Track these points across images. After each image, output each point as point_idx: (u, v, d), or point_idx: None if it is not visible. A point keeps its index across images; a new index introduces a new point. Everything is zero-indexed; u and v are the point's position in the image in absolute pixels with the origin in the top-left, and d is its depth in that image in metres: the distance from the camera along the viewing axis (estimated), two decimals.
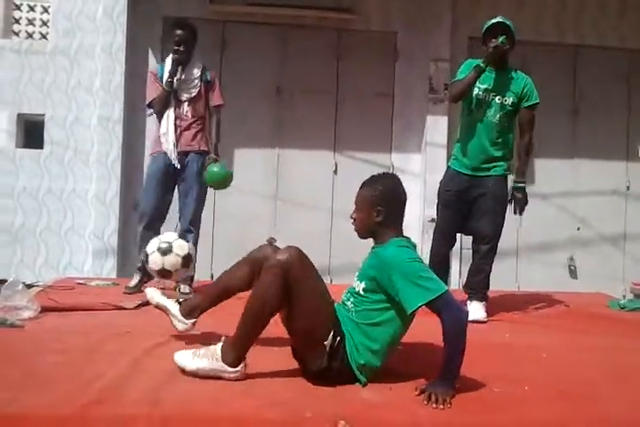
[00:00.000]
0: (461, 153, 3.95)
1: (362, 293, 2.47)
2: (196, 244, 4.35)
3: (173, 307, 2.83)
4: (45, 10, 6.14)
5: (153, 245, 3.17)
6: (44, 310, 3.36)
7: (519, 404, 2.32)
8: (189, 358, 2.42)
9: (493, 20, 3.83)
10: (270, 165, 6.25)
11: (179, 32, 4.22)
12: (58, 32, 6.06)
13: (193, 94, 4.28)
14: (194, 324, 2.84)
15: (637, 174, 6.67)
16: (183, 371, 2.42)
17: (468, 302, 3.85)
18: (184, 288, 4.15)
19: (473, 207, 3.93)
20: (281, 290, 2.35)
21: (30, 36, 6.16)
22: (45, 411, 2.08)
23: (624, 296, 5.07)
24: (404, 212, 2.58)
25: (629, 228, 6.68)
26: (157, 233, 4.31)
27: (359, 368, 2.41)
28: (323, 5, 6.18)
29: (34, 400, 2.13)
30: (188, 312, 2.81)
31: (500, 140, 3.87)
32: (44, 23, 6.17)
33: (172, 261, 3.13)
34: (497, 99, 3.83)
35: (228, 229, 6.04)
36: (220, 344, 2.43)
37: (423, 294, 2.28)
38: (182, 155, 4.26)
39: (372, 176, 2.60)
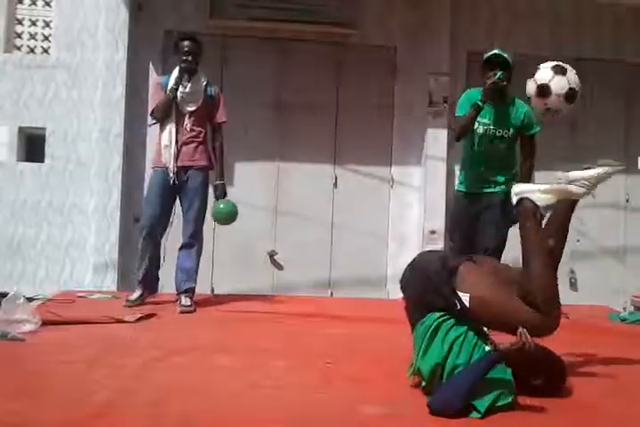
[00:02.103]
0: (467, 179, 4.03)
1: None
2: (199, 257, 4.37)
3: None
4: (47, 24, 6.19)
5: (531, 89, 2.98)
6: (45, 323, 3.36)
7: (520, 416, 2.32)
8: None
9: (491, 53, 3.86)
10: (271, 178, 6.27)
11: (187, 43, 4.28)
12: (59, 47, 6.11)
13: (194, 107, 4.29)
14: None
15: (636, 187, 6.69)
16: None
17: None
18: (185, 301, 4.16)
19: (478, 221, 3.96)
20: None
21: (32, 50, 6.21)
22: (48, 422, 2.08)
23: (624, 309, 5.06)
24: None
25: (629, 240, 6.69)
26: (157, 245, 4.34)
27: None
28: (323, 20, 6.22)
29: (37, 412, 2.13)
30: None
31: (503, 166, 3.94)
32: (46, 38, 6.21)
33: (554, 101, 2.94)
34: (497, 132, 3.89)
35: (229, 242, 6.03)
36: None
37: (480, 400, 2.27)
38: (182, 170, 4.27)
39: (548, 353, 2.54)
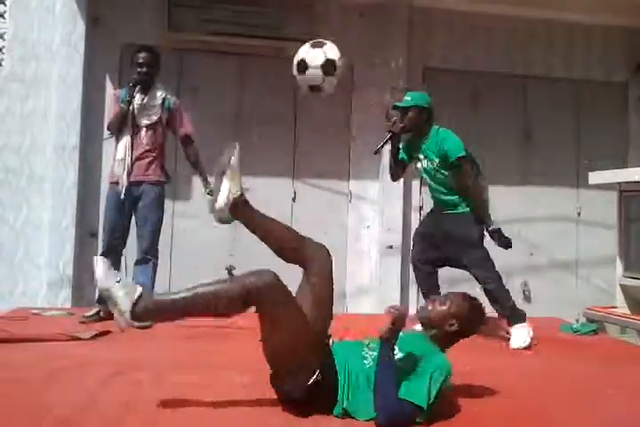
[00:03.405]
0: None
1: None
2: (154, 272, 4.33)
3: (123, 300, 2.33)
4: (1, 36, 6.10)
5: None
6: None
7: (470, 425, 2.36)
8: (110, 275, 2.29)
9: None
10: None
11: (142, 55, 4.27)
12: (13, 59, 6.01)
13: (152, 121, 4.27)
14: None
15: (587, 201, 6.87)
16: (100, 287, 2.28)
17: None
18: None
19: (443, 241, 4.18)
20: (242, 308, 2.32)
21: None
22: None
23: (577, 320, 5.17)
24: (469, 336, 2.62)
25: (581, 253, 6.85)
26: (116, 261, 4.28)
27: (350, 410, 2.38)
28: (280, 36, 6.25)
29: None
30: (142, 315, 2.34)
31: (452, 193, 4.10)
32: (0, 50, 6.11)
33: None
34: (427, 163, 4.11)
35: (186, 255, 6.00)
36: (140, 289, 2.29)
37: (412, 393, 2.27)
38: (136, 184, 4.24)
39: (463, 294, 2.61)
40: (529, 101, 6.90)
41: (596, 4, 6.45)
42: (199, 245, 6.08)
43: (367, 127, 6.50)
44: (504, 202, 6.73)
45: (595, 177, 5.55)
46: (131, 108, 4.22)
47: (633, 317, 5.08)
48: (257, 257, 6.24)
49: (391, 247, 6.30)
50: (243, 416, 2.38)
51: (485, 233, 4.07)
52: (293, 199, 6.36)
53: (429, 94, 4.22)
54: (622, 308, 5.25)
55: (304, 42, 6.46)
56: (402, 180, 6.25)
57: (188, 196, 6.12)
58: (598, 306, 5.56)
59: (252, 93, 6.35)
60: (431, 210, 4.38)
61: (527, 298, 6.68)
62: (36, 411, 2.32)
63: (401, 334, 2.41)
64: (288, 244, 2.67)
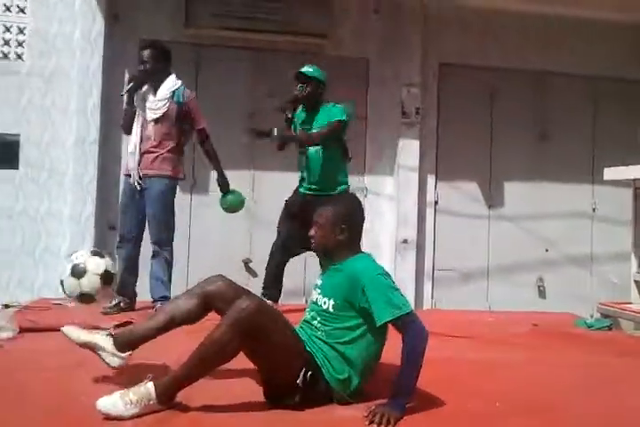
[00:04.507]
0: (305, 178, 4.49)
1: (331, 310, 2.46)
2: (168, 265, 4.35)
3: (105, 341, 2.51)
4: (21, 31, 6.16)
5: (66, 270, 2.91)
6: (23, 330, 3.37)
7: (491, 420, 2.40)
8: (122, 407, 2.18)
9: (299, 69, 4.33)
10: (246, 187, 6.28)
11: (144, 52, 4.31)
12: (34, 53, 6.09)
13: (158, 115, 4.26)
14: (128, 356, 2.57)
15: (603, 197, 6.87)
16: (116, 418, 2.17)
17: None
18: None
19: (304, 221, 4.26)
20: (241, 343, 2.27)
21: (6, 56, 6.17)
22: None
23: (591, 316, 5.20)
24: (362, 231, 2.67)
25: (596, 249, 6.86)
26: (131, 252, 4.34)
27: (341, 387, 2.42)
28: (296, 31, 6.30)
29: (18, 418, 2.15)
30: (125, 345, 2.53)
31: (322, 169, 4.31)
32: (20, 44, 6.18)
33: (89, 282, 2.81)
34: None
35: (203, 253, 6.05)
36: (150, 384, 2.25)
37: (392, 310, 2.32)
38: (145, 177, 4.28)
39: (334, 196, 2.69)
40: (545, 98, 6.90)
41: (613, 1, 6.43)
42: (217, 238, 6.14)
43: (382, 123, 6.54)
44: (520, 198, 6.77)
45: (610, 173, 5.55)
46: (135, 104, 4.27)
47: None
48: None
49: (406, 242, 6.35)
50: (250, 408, 2.41)
51: None
52: None
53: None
54: (637, 304, 5.25)
55: (317, 37, 6.42)
56: (417, 174, 6.36)
57: (206, 189, 6.18)
58: (612, 302, 5.57)
59: (268, 88, 6.39)
60: (299, 189, 4.51)
61: (542, 293, 6.71)
62: (65, 397, 2.38)
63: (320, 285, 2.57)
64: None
